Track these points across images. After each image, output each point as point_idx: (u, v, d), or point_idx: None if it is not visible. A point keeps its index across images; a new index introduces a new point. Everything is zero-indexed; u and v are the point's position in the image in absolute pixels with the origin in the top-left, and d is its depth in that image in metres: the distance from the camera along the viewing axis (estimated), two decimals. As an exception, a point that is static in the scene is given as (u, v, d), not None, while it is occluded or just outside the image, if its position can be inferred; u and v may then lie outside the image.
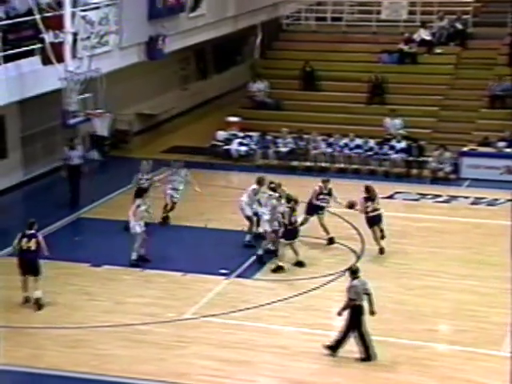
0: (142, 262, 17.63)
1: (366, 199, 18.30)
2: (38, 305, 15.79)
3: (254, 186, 18.81)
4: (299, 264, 17.66)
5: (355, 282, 14.07)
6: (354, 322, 13.95)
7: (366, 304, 14.04)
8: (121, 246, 18.69)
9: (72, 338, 14.77)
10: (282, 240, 17.48)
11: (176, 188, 20.06)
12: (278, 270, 17.41)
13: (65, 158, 21.35)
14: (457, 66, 28.16)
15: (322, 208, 18.94)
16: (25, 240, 15.71)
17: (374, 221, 18.23)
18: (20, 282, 15.93)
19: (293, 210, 17.50)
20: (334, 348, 14.11)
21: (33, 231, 15.82)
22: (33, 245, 15.65)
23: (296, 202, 17.66)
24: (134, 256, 17.62)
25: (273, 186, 18.57)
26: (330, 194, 18.95)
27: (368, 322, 15.26)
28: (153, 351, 14.33)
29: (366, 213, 18.23)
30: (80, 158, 21.57)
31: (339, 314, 14.09)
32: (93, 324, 15.24)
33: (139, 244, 17.61)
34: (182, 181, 20.13)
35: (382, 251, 18.32)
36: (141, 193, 18.78)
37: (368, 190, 18.43)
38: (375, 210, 18.27)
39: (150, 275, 17.36)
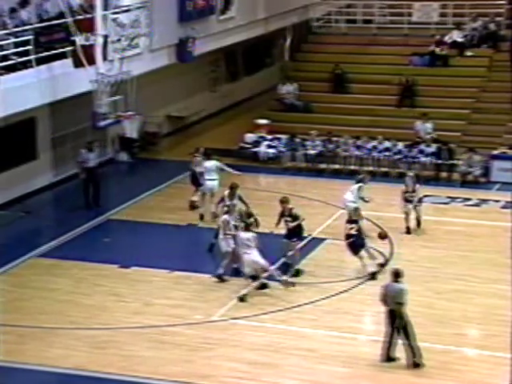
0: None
1: None
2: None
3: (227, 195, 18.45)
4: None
5: (387, 283, 13.87)
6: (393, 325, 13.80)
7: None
8: (149, 248, 18.82)
9: (100, 338, 14.85)
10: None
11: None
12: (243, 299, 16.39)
13: (82, 161, 21.27)
14: (489, 69, 27.94)
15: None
16: None
17: None
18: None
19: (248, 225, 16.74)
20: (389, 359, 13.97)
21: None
22: None
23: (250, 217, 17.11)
24: (220, 270, 17.11)
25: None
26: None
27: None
28: (180, 353, 14.36)
29: None
30: (96, 160, 21.40)
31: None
32: (121, 325, 15.31)
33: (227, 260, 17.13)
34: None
35: None
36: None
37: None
38: None
39: (178, 277, 17.40)
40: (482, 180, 23.65)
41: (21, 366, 13.84)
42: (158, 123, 27.17)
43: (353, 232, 17.44)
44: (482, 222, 20.75)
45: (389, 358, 13.94)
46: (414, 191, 19.90)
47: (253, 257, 16.28)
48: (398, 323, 13.75)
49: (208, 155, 21.17)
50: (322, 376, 13.72)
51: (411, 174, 20.67)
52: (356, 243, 17.36)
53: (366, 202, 19.50)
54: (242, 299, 16.18)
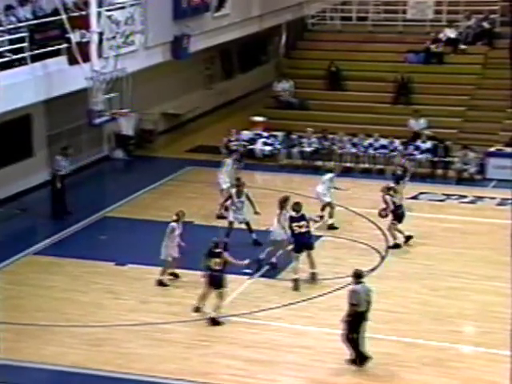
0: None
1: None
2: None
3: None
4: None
5: (358, 287, 13.77)
6: (354, 327, 13.66)
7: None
8: (145, 245, 18.80)
9: (96, 336, 14.85)
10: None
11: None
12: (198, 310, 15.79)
13: (57, 169, 20.64)
14: (484, 66, 27.97)
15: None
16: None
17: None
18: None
19: None
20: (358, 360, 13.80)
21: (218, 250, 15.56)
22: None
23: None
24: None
25: None
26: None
27: (393, 322, 15.28)
28: (176, 350, 14.37)
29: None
30: (68, 168, 20.75)
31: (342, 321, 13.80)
32: (117, 323, 15.31)
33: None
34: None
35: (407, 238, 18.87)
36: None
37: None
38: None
39: (174, 274, 17.41)
40: (478, 177, 23.69)
41: (18, 364, 13.84)
42: (154, 121, 27.16)
43: (398, 202, 18.70)
44: (478, 219, 20.79)
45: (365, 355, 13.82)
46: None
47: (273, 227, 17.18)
48: (364, 324, 13.68)
49: (229, 152, 21.40)
50: (318, 373, 13.74)
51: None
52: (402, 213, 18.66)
53: (342, 190, 20.16)
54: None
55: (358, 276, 13.85)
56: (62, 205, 20.74)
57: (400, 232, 18.80)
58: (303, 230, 16.78)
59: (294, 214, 16.96)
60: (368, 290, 13.79)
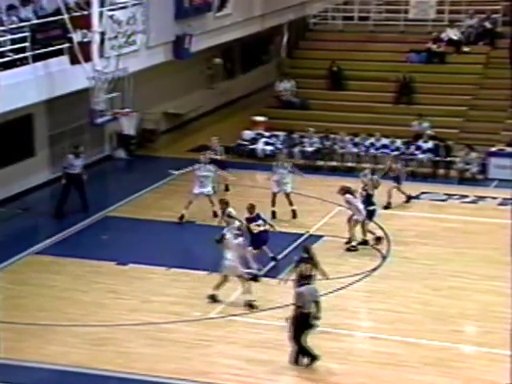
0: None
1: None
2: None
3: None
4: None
5: (303, 288, 13.82)
6: (301, 329, 13.72)
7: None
8: (146, 245, 18.83)
9: (98, 336, 14.86)
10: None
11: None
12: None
13: (66, 167, 20.59)
14: (486, 66, 27.98)
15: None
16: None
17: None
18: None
19: None
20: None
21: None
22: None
23: None
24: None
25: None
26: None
27: (394, 322, 15.28)
28: (177, 350, 14.38)
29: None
30: (82, 167, 20.66)
31: (286, 319, 13.89)
32: (118, 322, 15.32)
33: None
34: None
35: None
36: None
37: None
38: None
39: (176, 274, 17.42)
40: (480, 177, 23.69)
41: (20, 364, 13.84)
42: (156, 120, 27.17)
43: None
44: (479, 219, 20.79)
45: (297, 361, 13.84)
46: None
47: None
48: (314, 324, 13.74)
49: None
50: (318, 373, 13.74)
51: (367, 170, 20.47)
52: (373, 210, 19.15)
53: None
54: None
55: (306, 278, 13.97)
56: (82, 201, 20.74)
57: (370, 232, 18.78)
58: (261, 228, 17.25)
59: (248, 215, 17.26)
60: (314, 291, 13.90)
